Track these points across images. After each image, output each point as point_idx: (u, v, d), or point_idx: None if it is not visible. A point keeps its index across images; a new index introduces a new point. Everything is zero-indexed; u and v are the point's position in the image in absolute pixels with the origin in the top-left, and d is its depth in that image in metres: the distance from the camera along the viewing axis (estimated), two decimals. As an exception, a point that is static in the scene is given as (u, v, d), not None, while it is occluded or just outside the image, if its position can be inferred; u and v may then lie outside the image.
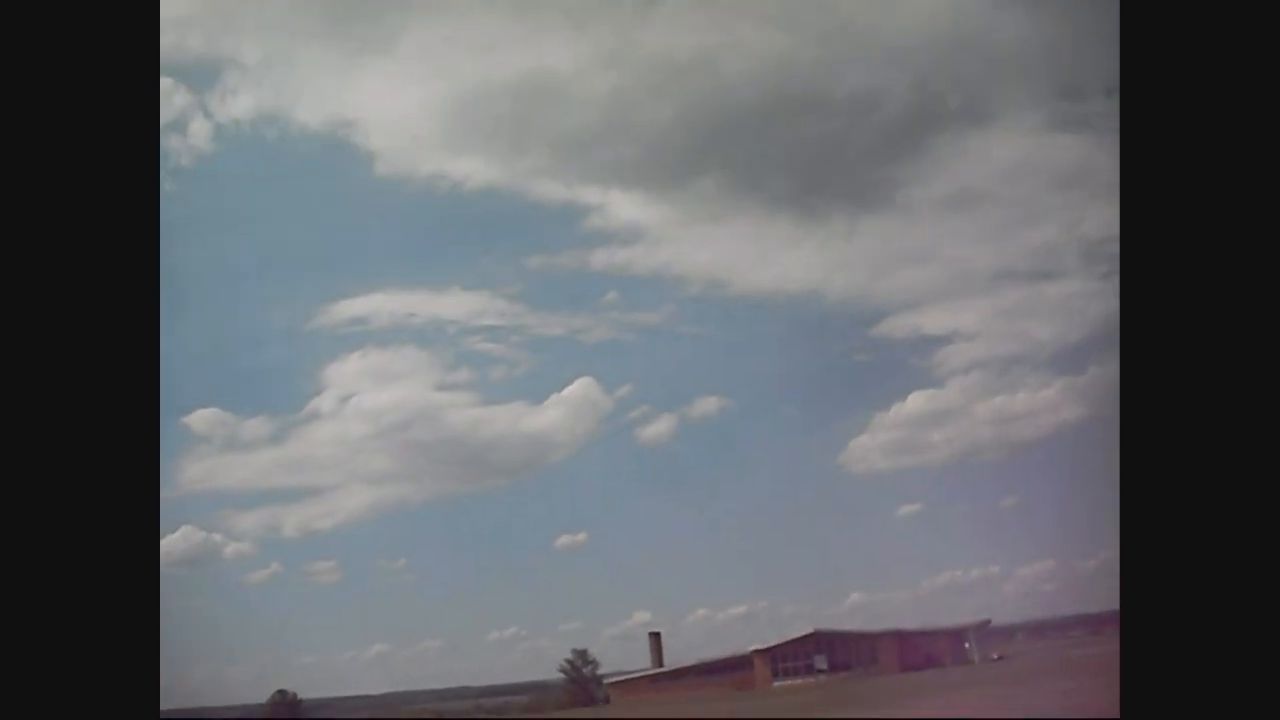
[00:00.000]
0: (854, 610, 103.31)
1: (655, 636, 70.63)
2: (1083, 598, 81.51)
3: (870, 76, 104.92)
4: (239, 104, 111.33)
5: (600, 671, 72.77)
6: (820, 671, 59.54)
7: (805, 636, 62.03)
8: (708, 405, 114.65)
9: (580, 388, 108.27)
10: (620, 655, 71.49)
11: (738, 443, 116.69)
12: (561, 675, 75.27)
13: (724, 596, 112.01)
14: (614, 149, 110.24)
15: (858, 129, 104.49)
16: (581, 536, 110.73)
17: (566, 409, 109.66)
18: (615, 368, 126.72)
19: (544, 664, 77.97)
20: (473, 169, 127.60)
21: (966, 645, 61.20)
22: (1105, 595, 56.70)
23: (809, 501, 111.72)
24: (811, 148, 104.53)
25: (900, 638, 61.33)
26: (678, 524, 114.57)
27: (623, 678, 69.39)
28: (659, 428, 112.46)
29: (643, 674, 67.89)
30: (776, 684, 59.09)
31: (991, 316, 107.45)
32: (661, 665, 68.26)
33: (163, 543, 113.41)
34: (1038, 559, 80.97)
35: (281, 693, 69.62)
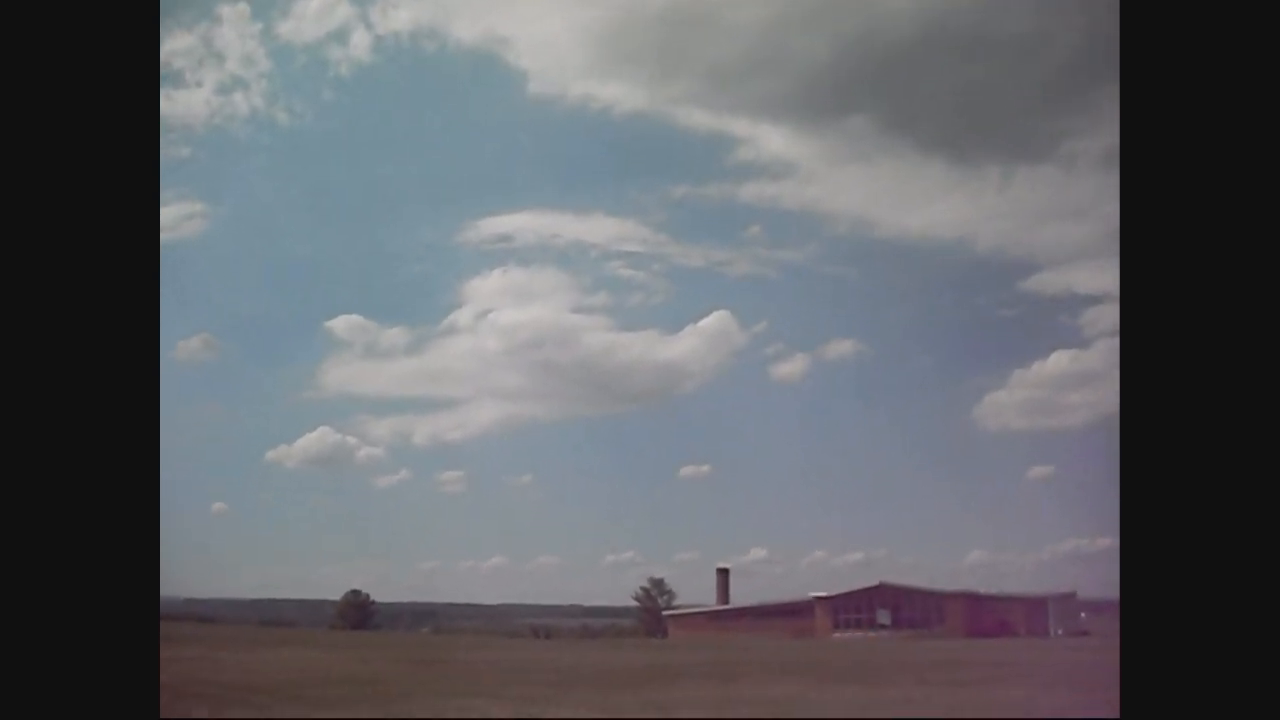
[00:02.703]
0: (973, 568, 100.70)
1: (723, 573, 70.92)
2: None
3: (1037, 19, 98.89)
4: (399, 17, 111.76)
5: (676, 603, 73.48)
6: (882, 626, 58.96)
7: (871, 589, 61.35)
8: (843, 348, 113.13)
9: (716, 320, 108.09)
10: (733, 589, 71.32)
11: (870, 388, 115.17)
12: (635, 603, 76.50)
13: (843, 541, 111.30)
14: (765, 81, 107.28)
15: (1020, 74, 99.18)
16: (705, 468, 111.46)
17: (701, 340, 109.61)
18: (753, 303, 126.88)
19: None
20: (622, 93, 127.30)
21: (1048, 616, 58.85)
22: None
23: (937, 454, 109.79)
24: (970, 91, 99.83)
25: (972, 600, 59.57)
26: (803, 464, 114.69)
27: (682, 612, 70.11)
28: (792, 366, 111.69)
29: (702, 610, 68.47)
30: (836, 635, 58.83)
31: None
32: (726, 603, 68.65)
33: (301, 441, 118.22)
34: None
35: (355, 593, 72.36)
